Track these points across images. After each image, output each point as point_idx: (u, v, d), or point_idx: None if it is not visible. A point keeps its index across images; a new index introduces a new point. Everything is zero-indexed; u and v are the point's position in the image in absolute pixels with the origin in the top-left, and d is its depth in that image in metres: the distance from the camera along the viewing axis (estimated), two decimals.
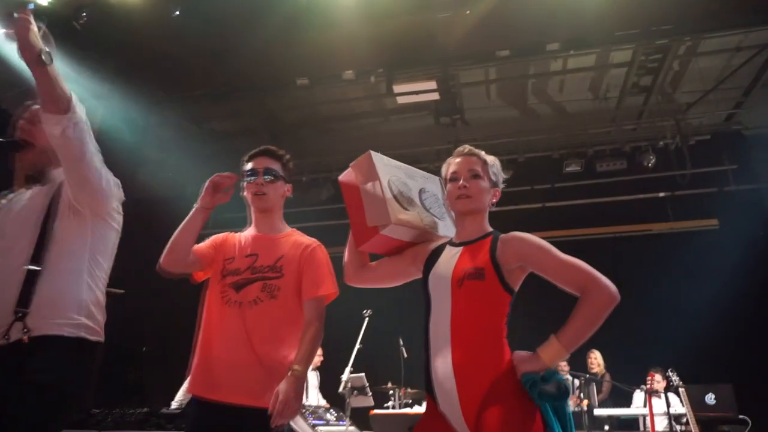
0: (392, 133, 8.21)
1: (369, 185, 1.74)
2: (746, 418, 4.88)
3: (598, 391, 6.04)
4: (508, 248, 1.54)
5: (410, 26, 3.77)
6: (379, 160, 1.80)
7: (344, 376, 3.90)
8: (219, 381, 1.70)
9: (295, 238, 1.97)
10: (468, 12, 3.72)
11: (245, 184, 1.95)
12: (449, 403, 1.47)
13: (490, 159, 1.75)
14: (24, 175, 1.82)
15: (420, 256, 1.73)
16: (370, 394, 5.75)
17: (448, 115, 7.47)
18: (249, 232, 1.98)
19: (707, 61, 6.81)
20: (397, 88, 5.48)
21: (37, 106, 1.77)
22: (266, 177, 1.93)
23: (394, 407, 6.13)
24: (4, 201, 1.81)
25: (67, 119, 1.61)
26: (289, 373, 1.67)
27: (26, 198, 1.78)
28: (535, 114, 8.08)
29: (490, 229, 1.68)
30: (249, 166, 1.97)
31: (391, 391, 6.30)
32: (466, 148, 1.75)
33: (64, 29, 3.60)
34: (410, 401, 6.46)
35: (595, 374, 6.18)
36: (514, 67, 6.88)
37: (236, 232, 2.02)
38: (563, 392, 1.42)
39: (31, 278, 1.62)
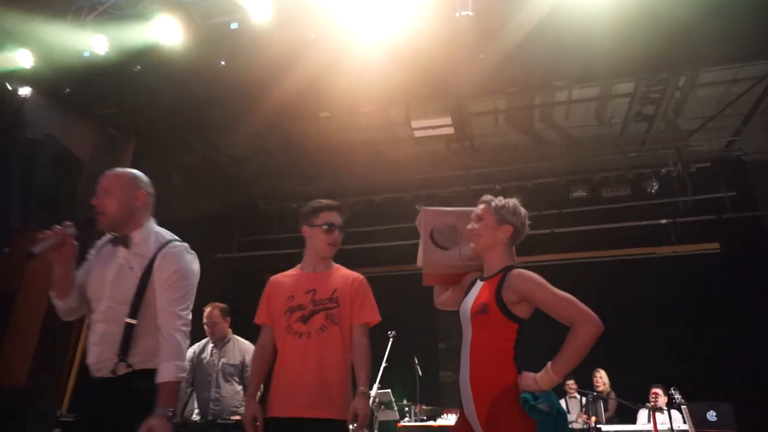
0: (405, 159, 8.52)
1: (422, 234, 2.14)
2: None
3: (606, 409, 6.28)
4: (511, 286, 1.85)
5: (429, 70, 4.15)
6: (429, 213, 2.19)
7: (372, 392, 4.19)
8: (298, 400, 2.04)
9: (342, 272, 2.33)
10: (481, 56, 4.09)
11: (321, 230, 2.29)
12: (469, 409, 1.79)
13: (498, 201, 2.05)
14: (112, 237, 2.17)
15: (464, 286, 2.07)
16: (396, 408, 6.05)
17: (459, 141, 7.87)
18: (303, 270, 2.33)
19: (707, 90, 7.11)
20: (415, 124, 5.88)
21: (105, 175, 2.18)
22: (332, 227, 2.29)
23: (402, 421, 6.41)
24: (101, 252, 2.20)
25: None
26: (360, 393, 2.02)
27: (119, 259, 2.13)
28: (542, 140, 8.39)
29: (508, 264, 1.98)
30: (328, 218, 2.31)
31: (406, 408, 6.58)
32: (484, 197, 2.09)
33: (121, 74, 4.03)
34: (425, 417, 6.73)
35: (601, 392, 6.42)
36: (522, 98, 7.24)
37: (276, 273, 2.37)
38: (552, 411, 1.71)
39: (129, 329, 2.01)
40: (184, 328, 2.03)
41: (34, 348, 5.08)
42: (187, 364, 3.55)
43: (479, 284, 1.97)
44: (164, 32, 4.14)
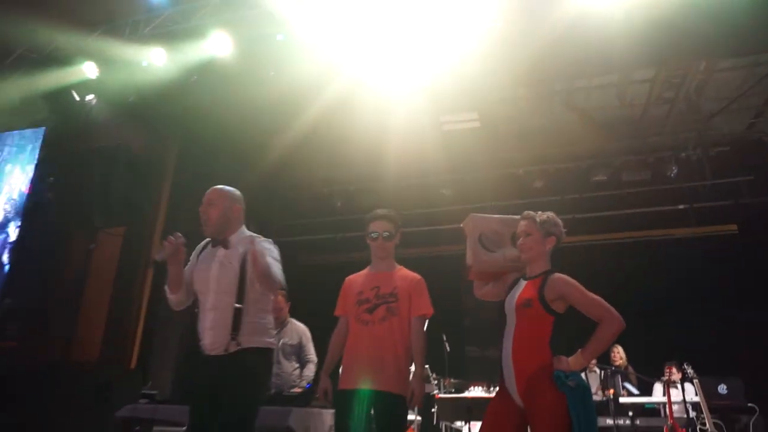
0: (428, 142, 8.79)
1: (469, 237, 2.54)
2: (754, 406, 5.51)
3: (629, 381, 6.69)
4: (552, 287, 2.27)
5: (461, 75, 4.49)
6: (477, 219, 2.59)
7: (413, 368, 4.65)
8: (362, 376, 2.52)
9: (403, 272, 2.77)
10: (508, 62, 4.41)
11: (370, 238, 2.76)
12: (510, 382, 2.22)
13: (542, 216, 2.46)
14: (212, 240, 2.67)
15: (507, 283, 2.48)
16: (434, 382, 6.59)
17: (483, 128, 8.14)
18: (371, 270, 2.79)
19: (729, 73, 7.15)
20: (443, 118, 6.24)
21: (211, 190, 2.69)
22: (385, 235, 2.73)
23: (439, 393, 6.92)
24: (201, 254, 2.72)
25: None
26: (416, 374, 2.51)
27: (220, 257, 2.63)
28: (563, 124, 8.57)
29: (547, 268, 2.39)
30: (373, 228, 2.78)
31: (436, 381, 7.09)
32: (525, 213, 2.48)
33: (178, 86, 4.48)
34: (453, 390, 7.25)
35: (619, 367, 6.83)
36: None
37: (353, 273, 2.84)
38: (579, 387, 2.14)
39: (238, 313, 2.50)
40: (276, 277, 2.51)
41: (103, 328, 5.67)
42: None
43: (522, 283, 2.38)
44: (216, 44, 4.54)
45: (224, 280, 2.57)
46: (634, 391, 6.50)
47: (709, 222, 7.73)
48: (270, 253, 2.57)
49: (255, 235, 2.69)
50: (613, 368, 6.44)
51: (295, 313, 4.37)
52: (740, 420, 5.55)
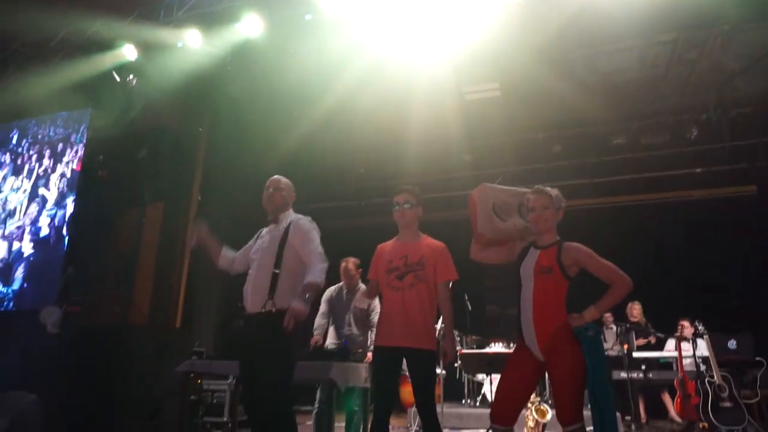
0: (448, 108, 8.88)
1: (481, 205, 2.80)
2: (762, 360, 5.79)
3: (646, 335, 6.99)
4: (568, 254, 2.56)
5: (482, 53, 4.65)
6: (488, 190, 2.84)
7: (438, 326, 4.99)
8: (393, 334, 2.86)
9: (428, 241, 3.05)
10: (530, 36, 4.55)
11: (393, 210, 3.06)
12: (530, 339, 2.54)
13: (554, 192, 2.73)
14: (269, 218, 3.17)
15: (516, 250, 2.77)
16: (458, 340, 6.99)
17: (504, 94, 8.23)
18: (398, 241, 3.09)
19: (754, 32, 7.05)
20: (465, 89, 6.43)
21: (278, 179, 3.20)
22: (406, 206, 3.03)
23: (462, 349, 7.35)
24: (264, 232, 3.20)
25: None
26: (446, 336, 2.92)
27: (270, 231, 3.16)
28: (584, 86, 8.58)
29: (557, 239, 2.67)
30: (394, 200, 3.08)
31: (458, 338, 7.50)
32: (538, 187, 2.74)
33: None
34: (474, 346, 7.67)
35: (637, 323, 7.13)
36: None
37: (384, 242, 3.15)
38: (596, 337, 2.48)
39: (275, 277, 2.94)
40: (320, 252, 2.99)
41: (150, 293, 6.15)
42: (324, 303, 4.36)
43: (535, 251, 2.66)
44: (248, 25, 4.77)
45: (268, 249, 3.05)
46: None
47: (727, 183, 7.82)
48: (310, 237, 3.03)
49: (300, 216, 3.15)
50: (628, 325, 6.75)
51: None
52: (748, 373, 5.85)
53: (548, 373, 2.50)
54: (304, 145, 9.23)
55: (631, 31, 6.65)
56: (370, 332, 4.42)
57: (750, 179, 7.73)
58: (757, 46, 7.33)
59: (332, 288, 4.57)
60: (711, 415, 5.29)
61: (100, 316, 4.92)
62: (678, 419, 6.01)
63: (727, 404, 5.34)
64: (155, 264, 6.21)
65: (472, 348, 7.62)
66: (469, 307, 7.39)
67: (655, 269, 7.51)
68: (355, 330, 4.40)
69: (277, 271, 2.94)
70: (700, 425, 5.47)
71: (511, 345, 6.86)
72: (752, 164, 7.50)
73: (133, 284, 5.62)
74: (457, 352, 6.14)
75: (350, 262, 4.48)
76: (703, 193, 7.96)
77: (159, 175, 4.30)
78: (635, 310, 7.21)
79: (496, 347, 7.17)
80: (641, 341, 6.98)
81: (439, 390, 6.30)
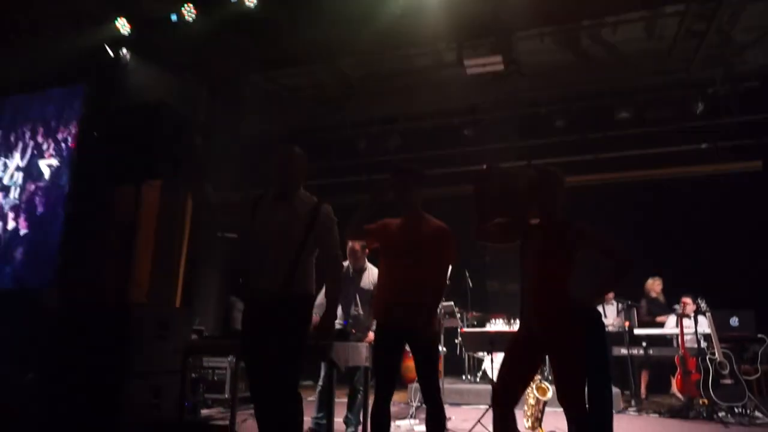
0: (450, 83, 8.77)
1: (488, 191, 2.73)
2: (764, 336, 5.79)
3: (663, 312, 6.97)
4: (573, 234, 2.49)
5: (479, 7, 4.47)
6: (496, 172, 2.77)
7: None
8: (396, 315, 2.81)
9: (432, 223, 2.98)
10: None
11: (395, 192, 2.98)
12: (532, 321, 2.49)
13: (560, 174, 2.66)
14: (276, 192, 2.95)
15: (520, 232, 2.70)
16: (459, 317, 6.99)
17: (505, 66, 8.07)
18: (403, 219, 3.01)
19: (763, 4, 6.95)
20: (467, 63, 6.27)
21: (291, 151, 2.98)
22: (405, 186, 2.95)
23: (463, 327, 7.36)
24: (260, 205, 2.98)
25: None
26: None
27: (285, 210, 2.91)
28: (588, 58, 8.40)
29: (562, 218, 2.60)
30: (394, 179, 2.98)
31: (459, 314, 7.51)
32: (546, 168, 2.67)
33: None
34: (475, 322, 7.68)
35: (655, 298, 7.07)
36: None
37: (393, 218, 3.07)
38: (597, 320, 2.44)
39: (294, 264, 2.82)
40: (340, 261, 3.01)
41: (149, 271, 6.11)
42: None
43: (538, 232, 2.60)
44: None
45: (290, 232, 2.85)
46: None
47: (733, 159, 7.72)
48: (335, 238, 2.93)
49: (323, 203, 2.97)
50: (629, 302, 6.73)
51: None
52: (749, 350, 5.85)
53: (549, 356, 2.46)
54: (302, 119, 9.13)
55: (638, 2, 6.48)
56: None
57: (757, 155, 7.61)
58: (767, 18, 7.16)
59: None
60: (711, 392, 5.30)
61: (99, 294, 4.90)
62: (679, 395, 6.04)
63: (728, 381, 5.35)
64: (155, 242, 6.17)
65: (473, 325, 7.63)
66: (470, 284, 7.38)
67: (658, 246, 7.46)
68: (361, 311, 4.37)
69: (297, 258, 2.82)
70: (700, 402, 5.50)
71: (512, 321, 6.87)
72: (760, 139, 7.37)
73: (133, 262, 5.57)
74: (458, 329, 6.11)
75: (357, 243, 4.39)
76: (708, 169, 7.87)
77: (156, 152, 4.21)
78: (657, 286, 7.13)
79: (497, 324, 7.18)
80: (663, 318, 6.92)
81: (440, 366, 6.34)
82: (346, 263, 4.47)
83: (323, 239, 2.91)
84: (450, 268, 3.02)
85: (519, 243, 2.66)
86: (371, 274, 4.42)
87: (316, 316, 4.34)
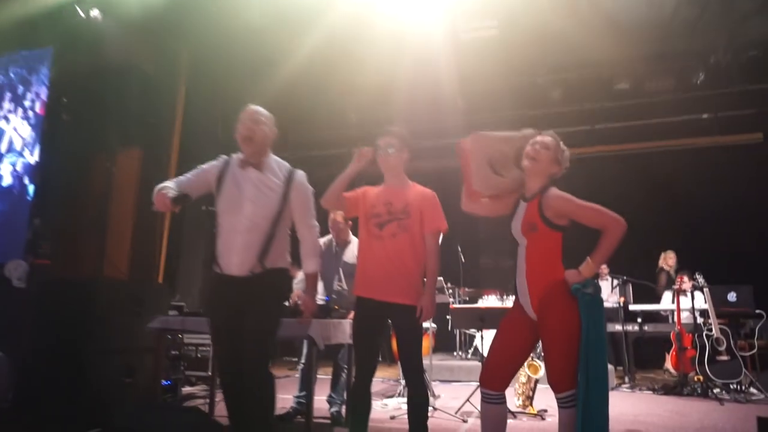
0: (442, 53, 8.44)
1: (476, 158, 2.48)
2: (762, 312, 5.66)
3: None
4: (548, 206, 2.25)
5: None
6: (482, 139, 2.52)
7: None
8: (377, 288, 2.60)
9: (416, 188, 2.75)
10: None
11: (377, 156, 2.72)
12: (525, 300, 2.29)
13: (563, 146, 2.41)
14: (244, 160, 2.66)
15: (511, 205, 2.48)
16: (450, 293, 6.82)
17: (500, 32, 7.74)
18: (384, 186, 2.78)
19: None
20: (461, 26, 5.96)
21: (253, 108, 2.67)
22: (390, 150, 2.70)
23: (454, 303, 7.20)
24: (227, 173, 2.69)
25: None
26: (426, 292, 2.57)
27: (254, 180, 2.63)
28: (586, 27, 8.11)
29: (543, 186, 2.33)
30: (377, 143, 2.73)
31: (451, 290, 7.35)
32: (548, 132, 2.42)
33: None
34: (467, 298, 7.53)
35: (667, 271, 6.83)
36: None
37: (374, 186, 2.82)
38: (597, 291, 2.22)
39: (270, 238, 2.59)
40: (317, 232, 2.75)
41: (129, 245, 5.88)
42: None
43: (523, 205, 2.37)
44: None
45: (262, 204, 2.60)
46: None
47: (734, 131, 7.53)
48: (310, 208, 2.71)
49: (282, 161, 2.71)
50: (624, 278, 6.58)
51: None
52: (746, 325, 5.73)
53: (540, 333, 2.25)
54: (289, 88, 8.80)
55: None
56: None
57: (758, 126, 7.41)
58: None
59: (321, 241, 4.31)
60: (707, 369, 5.18)
61: (70, 269, 4.67)
62: (672, 371, 5.93)
63: (724, 358, 5.23)
64: (135, 214, 5.91)
65: (465, 301, 7.49)
66: (462, 259, 7.21)
67: (656, 220, 7.30)
68: (345, 286, 4.18)
69: (272, 232, 2.58)
70: (695, 378, 5.38)
71: (505, 297, 6.71)
72: (762, 110, 7.16)
73: (107, 236, 5.34)
74: (448, 305, 5.93)
75: (339, 215, 4.20)
76: (708, 141, 7.68)
77: (131, 119, 3.93)
78: (670, 259, 6.92)
79: (490, 300, 7.03)
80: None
81: (428, 342, 6.19)
82: (329, 237, 4.26)
83: (298, 209, 2.67)
84: (440, 236, 2.77)
85: (508, 218, 2.44)
86: (355, 247, 4.22)
87: (298, 290, 4.18)
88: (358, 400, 2.57)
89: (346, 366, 4.04)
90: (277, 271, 2.62)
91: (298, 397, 4.08)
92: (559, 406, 2.17)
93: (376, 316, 2.61)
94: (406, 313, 2.56)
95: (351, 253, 4.18)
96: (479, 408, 2.34)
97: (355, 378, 2.59)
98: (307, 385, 3.13)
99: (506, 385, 2.28)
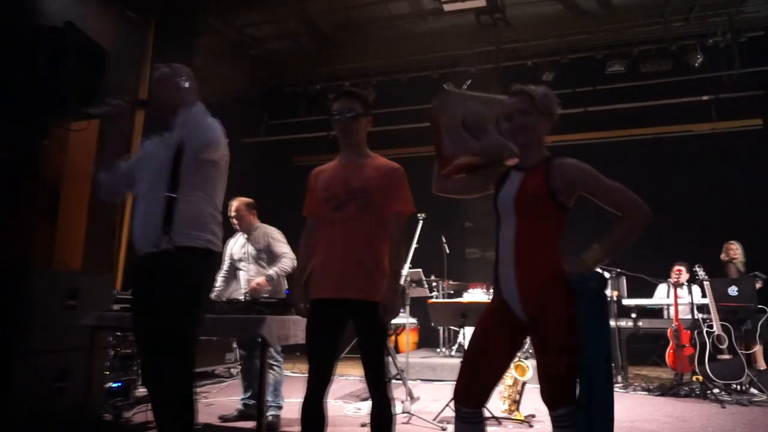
0: (430, 34, 8.08)
1: (447, 119, 2.03)
2: (764, 307, 5.29)
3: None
4: (560, 174, 1.79)
5: None
6: (457, 96, 2.06)
7: (404, 271, 4.35)
8: (335, 283, 2.12)
9: (378, 161, 2.27)
10: None
11: (334, 120, 2.25)
12: (511, 294, 1.84)
13: (540, 91, 1.94)
14: (153, 125, 2.27)
15: (492, 177, 2.02)
16: (427, 286, 6.38)
17: (489, 14, 7.34)
18: (340, 161, 2.31)
19: None
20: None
21: (163, 70, 2.26)
22: (349, 115, 2.23)
23: (437, 297, 6.78)
24: (147, 143, 2.33)
25: None
26: (389, 288, 2.10)
27: (158, 142, 2.26)
28: (579, 8, 7.76)
29: (547, 155, 1.94)
30: (335, 106, 2.25)
31: (435, 283, 6.93)
32: (516, 87, 1.96)
33: None
34: (452, 292, 7.11)
35: (732, 260, 6.23)
36: None
37: (322, 164, 2.36)
38: (603, 283, 1.78)
39: (171, 202, 2.13)
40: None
41: (84, 233, 5.37)
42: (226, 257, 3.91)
43: (517, 174, 1.93)
44: None
45: (157, 162, 2.19)
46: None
47: (733, 116, 7.18)
48: (212, 139, 2.23)
49: (196, 108, 2.23)
50: (618, 270, 6.17)
51: (288, 216, 3.96)
52: (748, 321, 5.37)
53: (531, 337, 1.80)
54: (266, 70, 8.37)
55: None
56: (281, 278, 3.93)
57: (757, 111, 7.07)
58: None
59: (230, 240, 4.11)
60: (707, 368, 4.81)
61: (16, 257, 4.16)
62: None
63: (726, 356, 4.85)
64: (90, 198, 5.39)
65: (449, 294, 7.08)
66: (447, 251, 6.77)
67: (653, 208, 6.91)
68: (256, 275, 3.92)
69: (172, 195, 2.13)
70: (694, 378, 5.01)
71: (491, 291, 6.30)
72: (762, 92, 6.80)
73: (58, 222, 4.82)
74: (425, 300, 5.46)
75: (241, 202, 3.96)
76: (705, 127, 7.32)
77: (67, 89, 3.44)
78: (732, 251, 6.22)
79: (475, 293, 6.62)
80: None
81: (412, 339, 5.77)
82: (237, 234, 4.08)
83: (195, 151, 2.20)
84: (405, 220, 2.28)
85: (493, 194, 1.98)
86: (261, 232, 4.00)
87: (263, 280, 3.79)
88: (311, 417, 2.12)
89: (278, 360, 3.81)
90: (191, 251, 2.16)
91: (243, 399, 3.91)
92: (554, 427, 1.74)
93: (333, 318, 2.15)
94: (365, 312, 2.09)
95: (256, 239, 3.99)
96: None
97: (307, 390, 2.14)
98: (259, 384, 2.67)
99: (485, 401, 1.82)
